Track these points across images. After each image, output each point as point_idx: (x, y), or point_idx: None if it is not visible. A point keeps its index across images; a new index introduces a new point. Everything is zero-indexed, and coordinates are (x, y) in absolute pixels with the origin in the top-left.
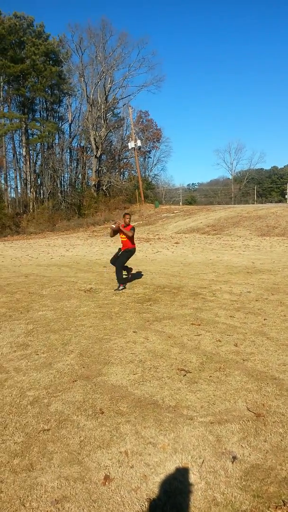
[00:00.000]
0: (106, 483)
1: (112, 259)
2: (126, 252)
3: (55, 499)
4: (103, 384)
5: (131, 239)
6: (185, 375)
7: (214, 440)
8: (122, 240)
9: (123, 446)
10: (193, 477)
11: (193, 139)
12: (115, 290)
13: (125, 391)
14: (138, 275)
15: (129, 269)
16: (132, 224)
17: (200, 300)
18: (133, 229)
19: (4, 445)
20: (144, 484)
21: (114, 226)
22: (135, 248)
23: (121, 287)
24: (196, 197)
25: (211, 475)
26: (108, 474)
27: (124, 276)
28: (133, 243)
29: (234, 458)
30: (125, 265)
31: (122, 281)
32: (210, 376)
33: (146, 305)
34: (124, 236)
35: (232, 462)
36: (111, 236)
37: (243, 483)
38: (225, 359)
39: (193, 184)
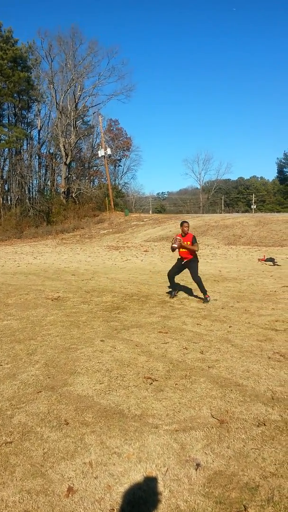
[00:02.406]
0: (70, 495)
1: (171, 272)
2: (193, 263)
3: None
4: (68, 394)
5: (194, 251)
6: (152, 383)
7: (179, 448)
8: (181, 251)
9: (87, 457)
10: (157, 486)
11: (163, 149)
12: (204, 302)
13: (91, 401)
14: (107, 283)
15: (176, 284)
16: (103, 231)
17: (168, 308)
18: (194, 238)
19: None
20: (108, 494)
21: (175, 245)
22: (197, 257)
23: (208, 298)
24: (165, 205)
25: (175, 483)
26: (71, 485)
27: (174, 293)
28: (196, 252)
29: (198, 465)
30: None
31: (205, 291)
32: (176, 384)
33: (114, 314)
34: (185, 248)
35: (196, 469)
36: (173, 251)
37: (206, 490)
38: (191, 366)
39: (162, 193)
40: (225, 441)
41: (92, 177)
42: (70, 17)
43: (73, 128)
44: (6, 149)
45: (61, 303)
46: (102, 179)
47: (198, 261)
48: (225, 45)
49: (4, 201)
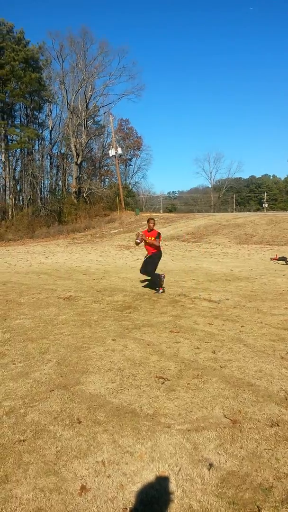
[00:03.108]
0: (82, 493)
1: (142, 268)
2: (155, 257)
3: None
4: (81, 393)
5: (157, 247)
6: (164, 382)
7: (191, 448)
8: (146, 247)
9: (100, 455)
10: (169, 486)
11: (173, 148)
12: (154, 293)
13: (103, 400)
14: (118, 282)
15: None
16: (114, 230)
17: (179, 307)
18: (158, 235)
19: None
20: (120, 493)
21: (138, 240)
22: (161, 251)
23: (160, 290)
24: (176, 205)
25: (188, 483)
26: (84, 484)
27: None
28: (158, 248)
29: (211, 465)
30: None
31: (158, 285)
32: (188, 384)
33: (126, 313)
34: (149, 244)
35: (209, 470)
36: (137, 245)
37: (219, 490)
38: (203, 366)
39: (173, 192)
40: (238, 442)
41: (103, 177)
42: (79, 17)
43: (84, 128)
44: (18, 149)
45: (72, 302)
46: (113, 179)
47: (160, 257)
48: (236, 45)
49: (16, 201)
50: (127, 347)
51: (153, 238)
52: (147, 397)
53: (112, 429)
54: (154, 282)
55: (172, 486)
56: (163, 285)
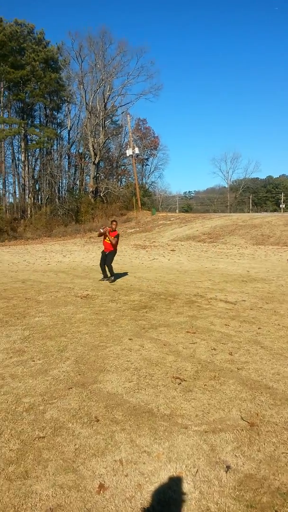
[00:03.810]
0: (101, 491)
1: (101, 263)
2: (111, 254)
3: (50, 508)
4: (98, 391)
5: (114, 246)
6: (180, 383)
7: (208, 449)
8: (105, 242)
9: (118, 454)
10: (187, 487)
11: (190, 148)
12: (110, 282)
13: (120, 399)
14: (134, 282)
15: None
16: (130, 230)
17: (195, 308)
18: (117, 236)
19: None
20: (138, 493)
21: (102, 230)
22: (116, 251)
23: (112, 278)
24: (192, 205)
25: (205, 484)
26: (102, 482)
27: (104, 279)
28: (114, 248)
29: (228, 467)
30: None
31: (113, 274)
32: (205, 385)
33: (142, 312)
34: (108, 240)
35: (226, 472)
36: (98, 236)
37: (237, 493)
38: (220, 367)
39: (189, 192)
40: (256, 444)
41: (120, 176)
42: (99, 17)
43: (102, 128)
44: (37, 149)
45: (90, 301)
46: (130, 178)
47: (115, 254)
48: (255, 44)
49: (35, 200)
50: (143, 347)
51: (112, 238)
52: (164, 397)
53: (130, 428)
54: (111, 272)
55: (190, 487)
56: (112, 279)
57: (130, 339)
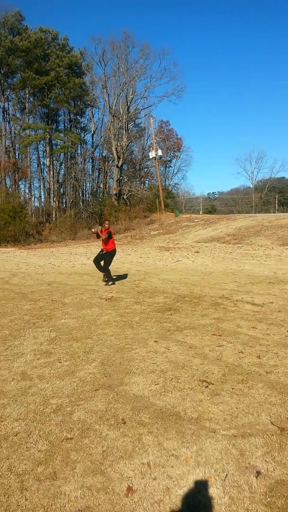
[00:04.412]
0: (129, 494)
1: (95, 259)
2: (109, 254)
3: (79, 509)
4: (125, 393)
5: (104, 241)
6: (207, 386)
7: (238, 454)
8: (103, 243)
9: (145, 457)
10: (216, 492)
11: (214, 148)
12: (105, 285)
13: (146, 401)
14: (159, 284)
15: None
16: (153, 232)
17: (221, 310)
18: (109, 233)
19: (28, 453)
20: (167, 497)
21: (93, 230)
22: (115, 249)
23: (110, 283)
24: (216, 206)
25: (235, 490)
26: (131, 485)
27: (106, 280)
28: (111, 245)
29: (258, 473)
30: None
31: (111, 277)
32: (232, 388)
33: (167, 315)
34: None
35: (256, 477)
36: (96, 238)
37: (268, 499)
38: (248, 371)
39: (213, 193)
40: (286, 450)
41: (143, 179)
42: (121, 19)
43: (125, 131)
44: (62, 153)
45: (114, 303)
46: (153, 181)
47: (113, 255)
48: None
49: (60, 204)
50: (169, 349)
51: (104, 236)
52: (190, 400)
53: (157, 431)
54: (108, 275)
55: (219, 492)
56: (112, 281)
57: (155, 342)
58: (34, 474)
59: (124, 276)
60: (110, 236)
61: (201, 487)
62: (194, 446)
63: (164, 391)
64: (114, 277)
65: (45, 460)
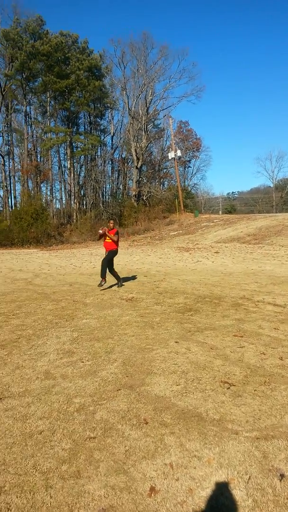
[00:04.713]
0: (152, 494)
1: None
2: (111, 253)
3: (102, 508)
4: (146, 394)
5: (115, 242)
6: (229, 388)
7: (261, 456)
8: (105, 243)
9: (168, 458)
10: (239, 494)
11: (233, 148)
12: (98, 285)
13: (168, 402)
14: (179, 284)
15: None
16: (173, 232)
17: (242, 311)
18: (117, 233)
19: (52, 451)
20: (190, 498)
21: (101, 231)
22: (117, 249)
23: (103, 282)
24: (236, 206)
25: (259, 492)
26: (153, 485)
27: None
28: (113, 245)
29: (282, 476)
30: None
31: (119, 278)
32: (255, 390)
33: (187, 315)
34: (108, 239)
35: (280, 480)
36: (98, 240)
37: None
38: (270, 373)
39: (232, 192)
40: None
41: (162, 180)
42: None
43: (144, 132)
44: (82, 156)
45: (135, 304)
46: (172, 181)
47: (115, 254)
48: None
49: (80, 206)
50: (190, 350)
51: (112, 235)
52: (212, 401)
53: (179, 432)
54: (103, 273)
55: (243, 494)
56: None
57: (176, 342)
58: (58, 472)
59: (132, 278)
60: (118, 235)
61: (224, 489)
62: (217, 448)
63: (186, 392)
64: (104, 282)
65: (69, 458)
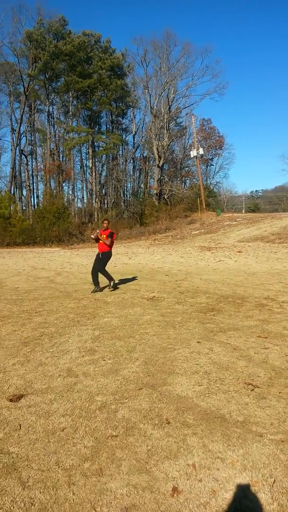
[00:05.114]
0: (175, 495)
1: (93, 270)
2: (105, 255)
3: (125, 507)
4: (168, 393)
5: (109, 246)
6: (253, 389)
7: (286, 460)
8: (99, 244)
9: (190, 458)
10: (264, 497)
11: (257, 145)
12: (111, 288)
13: (190, 402)
14: (201, 284)
15: (110, 277)
16: (195, 231)
17: (266, 311)
18: (110, 234)
19: (75, 448)
20: (213, 499)
21: (93, 236)
22: (111, 252)
23: (112, 283)
24: (259, 204)
25: (284, 496)
26: (176, 486)
27: (97, 289)
28: (109, 247)
29: None
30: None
31: (112, 279)
32: (279, 392)
33: (210, 315)
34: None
35: None
36: (96, 243)
37: None
38: None
39: (256, 191)
40: None
41: (183, 178)
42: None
43: (166, 130)
44: (104, 155)
45: (156, 303)
46: (194, 180)
47: (110, 256)
48: None
49: (102, 204)
50: (212, 350)
51: (105, 236)
52: (236, 403)
53: (202, 433)
54: (107, 277)
55: (267, 498)
56: (114, 284)
57: (198, 342)
58: (81, 470)
59: (120, 281)
60: (112, 238)
61: (248, 491)
62: (241, 450)
63: (208, 393)
64: (112, 282)
65: (91, 456)
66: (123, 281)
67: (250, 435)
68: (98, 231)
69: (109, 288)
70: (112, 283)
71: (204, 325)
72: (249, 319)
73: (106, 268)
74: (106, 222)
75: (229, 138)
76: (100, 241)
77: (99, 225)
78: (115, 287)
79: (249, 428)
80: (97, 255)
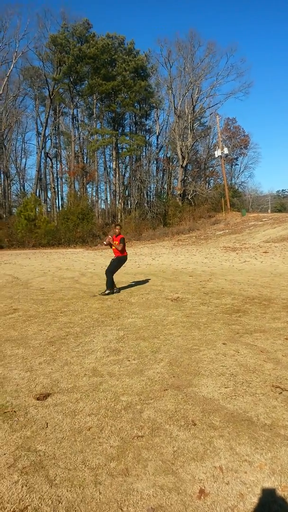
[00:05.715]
0: (202, 497)
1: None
2: (117, 260)
3: (151, 507)
4: (194, 395)
5: (121, 251)
6: (281, 393)
7: None
8: (113, 249)
9: (217, 461)
10: None
11: (284, 144)
12: (100, 293)
13: (217, 404)
14: (226, 285)
15: (111, 285)
16: (219, 232)
17: None
18: (122, 240)
19: (101, 448)
20: (241, 503)
21: (105, 242)
22: (126, 256)
23: (107, 291)
24: (286, 204)
25: None
26: (203, 488)
27: (115, 290)
28: (123, 252)
29: None
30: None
31: (109, 286)
32: None
33: (235, 317)
34: (115, 247)
35: None
36: (111, 248)
37: None
38: None
39: (283, 190)
40: None
41: (207, 178)
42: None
43: (190, 130)
44: (127, 156)
45: (180, 304)
46: (218, 180)
47: (124, 261)
48: None
49: (125, 206)
50: (239, 352)
51: (117, 242)
52: (263, 406)
53: (228, 435)
54: (108, 282)
55: None
56: (110, 291)
57: (224, 344)
58: (107, 469)
59: (144, 281)
60: (124, 243)
61: (277, 496)
62: (269, 453)
63: (235, 395)
64: (108, 290)
65: (117, 456)
66: (147, 282)
67: (278, 439)
68: (110, 236)
69: (101, 293)
70: (107, 291)
71: (229, 327)
72: (276, 321)
73: (118, 272)
74: (118, 227)
75: (255, 137)
76: (113, 247)
77: (123, 226)
78: (107, 294)
79: (277, 431)
80: (112, 259)
